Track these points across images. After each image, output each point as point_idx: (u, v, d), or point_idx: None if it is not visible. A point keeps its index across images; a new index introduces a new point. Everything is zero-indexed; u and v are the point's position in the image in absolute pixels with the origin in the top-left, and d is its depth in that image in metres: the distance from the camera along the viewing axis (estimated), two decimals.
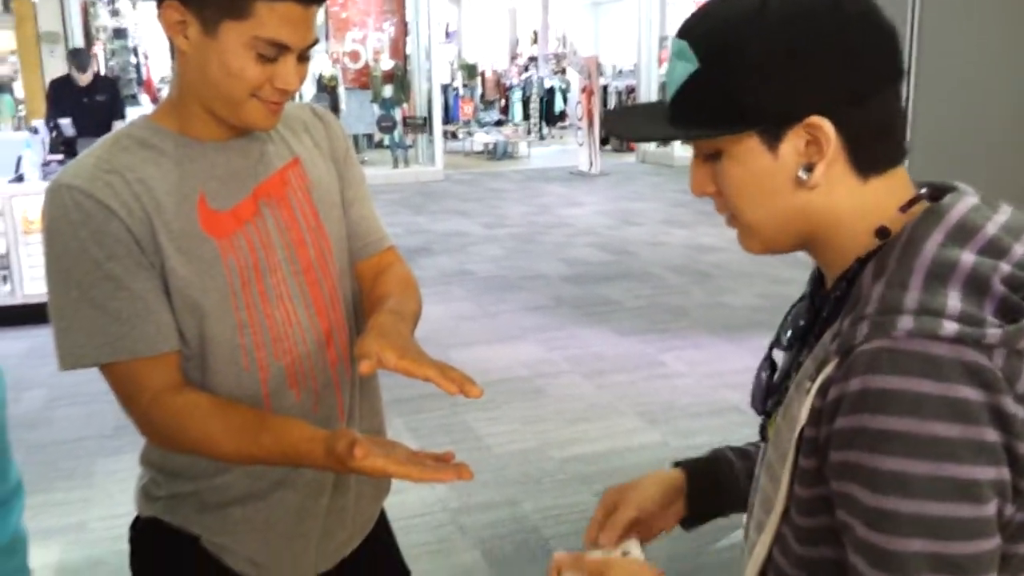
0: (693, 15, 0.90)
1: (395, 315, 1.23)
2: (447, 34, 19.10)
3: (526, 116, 17.26)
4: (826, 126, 0.82)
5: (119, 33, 16.40)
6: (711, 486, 1.13)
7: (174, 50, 1.21)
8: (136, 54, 16.47)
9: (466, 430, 4.07)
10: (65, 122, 6.18)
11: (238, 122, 1.22)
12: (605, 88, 14.66)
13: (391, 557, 1.56)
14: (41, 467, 3.80)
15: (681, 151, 13.48)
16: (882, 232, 0.85)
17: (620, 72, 16.33)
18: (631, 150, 14.53)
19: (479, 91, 17.76)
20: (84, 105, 6.80)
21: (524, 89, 17.58)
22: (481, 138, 15.06)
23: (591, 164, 12.67)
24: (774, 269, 6.91)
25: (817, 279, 0.96)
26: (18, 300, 5.64)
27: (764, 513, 0.91)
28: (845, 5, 0.83)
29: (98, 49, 14.13)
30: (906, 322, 0.76)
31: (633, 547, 1.03)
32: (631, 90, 14.63)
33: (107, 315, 1.18)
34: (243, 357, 1.26)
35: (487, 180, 12.58)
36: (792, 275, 6.65)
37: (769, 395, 0.98)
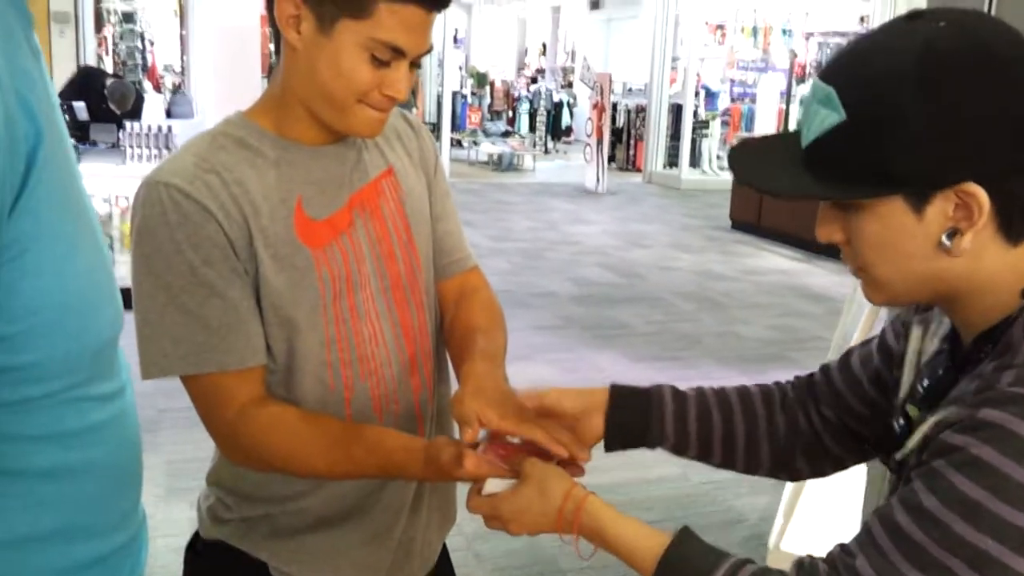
0: (840, 56, 0.85)
1: (488, 361, 1.19)
2: (455, 40, 19.07)
3: (532, 129, 17.22)
4: (981, 195, 0.78)
5: (128, 17, 16.32)
6: (635, 418, 1.13)
7: (280, 45, 1.15)
8: (143, 40, 16.38)
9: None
10: (79, 105, 6.07)
11: (341, 127, 1.16)
12: (615, 106, 14.62)
13: None
14: None
15: (688, 174, 13.45)
16: None
17: (630, 90, 16.31)
18: (637, 170, 14.49)
19: (487, 101, 17.72)
20: (104, 109, 6.66)
21: (532, 102, 17.55)
22: (487, 148, 14.99)
23: (598, 182, 12.61)
24: (786, 300, 6.85)
25: (952, 336, 0.93)
26: None
27: None
28: (1014, 68, 0.78)
29: (107, 33, 14.02)
30: None
31: (493, 485, 1.05)
32: (641, 109, 14.61)
33: (196, 323, 1.11)
34: (329, 375, 1.19)
35: (493, 191, 12.51)
36: (805, 307, 6.60)
37: (899, 448, 0.93)
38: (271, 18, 1.13)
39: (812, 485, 3.04)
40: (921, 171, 0.79)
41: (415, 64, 1.15)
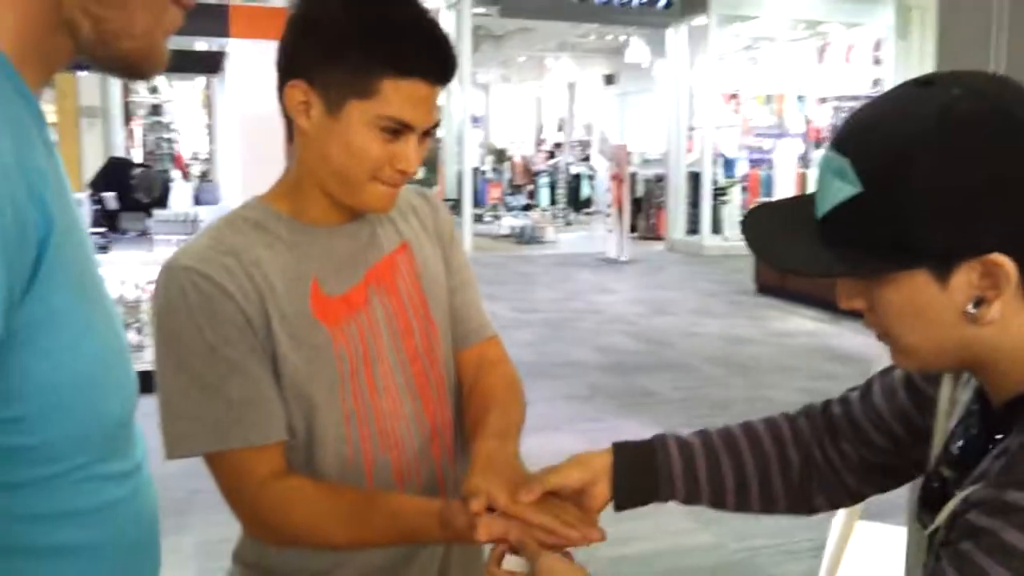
0: (851, 124, 0.83)
1: (500, 439, 1.18)
2: (474, 119, 19.43)
3: (553, 201, 17.40)
4: (1007, 264, 0.75)
5: (155, 109, 16.82)
6: (641, 477, 1.12)
7: (292, 131, 1.19)
8: (169, 130, 16.84)
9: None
10: (109, 196, 6.23)
11: (356, 204, 1.19)
12: (633, 176, 14.78)
13: None
14: None
15: (710, 240, 13.48)
16: None
17: (647, 160, 16.49)
18: (659, 238, 14.56)
19: (507, 176, 17.97)
20: (133, 198, 6.83)
21: (551, 175, 17.78)
22: (509, 222, 15.15)
23: (620, 251, 12.67)
24: (815, 363, 6.78)
25: (980, 396, 0.90)
26: None
27: None
28: None
29: (135, 125, 14.42)
30: None
31: (512, 563, 1.04)
32: (659, 178, 14.75)
33: (219, 401, 1.12)
34: (348, 449, 1.20)
35: (515, 264, 12.59)
36: (834, 369, 6.53)
37: (932, 510, 0.91)
38: (282, 106, 1.16)
39: (852, 552, 2.97)
40: (943, 242, 0.76)
41: (427, 135, 1.18)
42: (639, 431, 5.39)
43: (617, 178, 12.90)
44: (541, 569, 1.00)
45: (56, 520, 0.75)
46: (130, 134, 13.61)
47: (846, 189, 0.79)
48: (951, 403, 0.96)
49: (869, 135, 0.80)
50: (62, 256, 0.72)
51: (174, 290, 1.13)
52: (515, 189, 17.69)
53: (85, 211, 6.23)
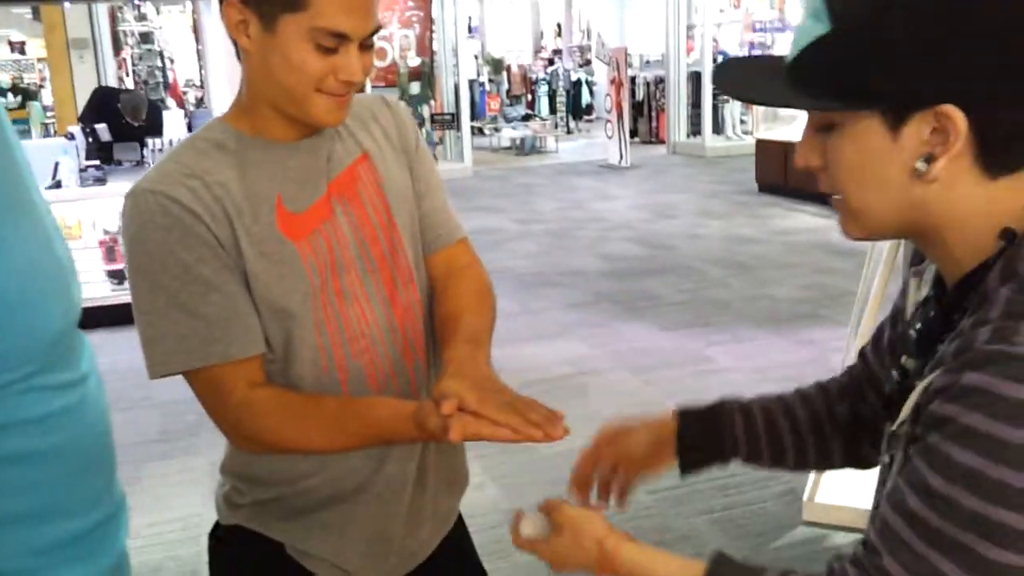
0: None
1: (471, 344, 1.21)
2: (470, 29, 19.04)
3: (552, 110, 17.17)
4: (958, 118, 0.75)
5: (145, 37, 16.54)
6: (706, 436, 1.14)
7: (239, 52, 1.19)
8: (162, 58, 16.59)
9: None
10: (101, 127, 6.20)
11: (305, 118, 1.19)
12: (633, 79, 14.54)
13: (469, 557, 1.54)
14: None
15: (712, 142, 13.35)
16: (1007, 234, 0.79)
17: (648, 62, 16.20)
18: (661, 142, 14.41)
19: (505, 86, 17.70)
20: (123, 125, 6.80)
21: (550, 83, 17.50)
22: (508, 133, 14.99)
23: (621, 157, 12.57)
24: (816, 259, 6.80)
25: (939, 281, 0.90)
26: None
27: None
28: None
29: (125, 54, 14.22)
30: None
31: (529, 527, 1.06)
32: (660, 80, 14.52)
33: (198, 319, 1.16)
34: (323, 357, 1.24)
35: (517, 176, 12.53)
36: (835, 264, 6.55)
37: (898, 401, 0.92)
38: (224, 27, 1.16)
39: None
40: (900, 88, 0.77)
41: (366, 46, 1.17)
42: (642, 334, 5.47)
43: (616, 82, 12.71)
44: (556, 520, 1.02)
45: (1, 430, 0.78)
46: (121, 64, 13.43)
47: (816, 29, 0.79)
48: (917, 288, 0.96)
49: None
50: None
51: (143, 215, 1.15)
52: (514, 100, 17.45)
53: (79, 144, 6.22)
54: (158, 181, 1.16)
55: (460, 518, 1.51)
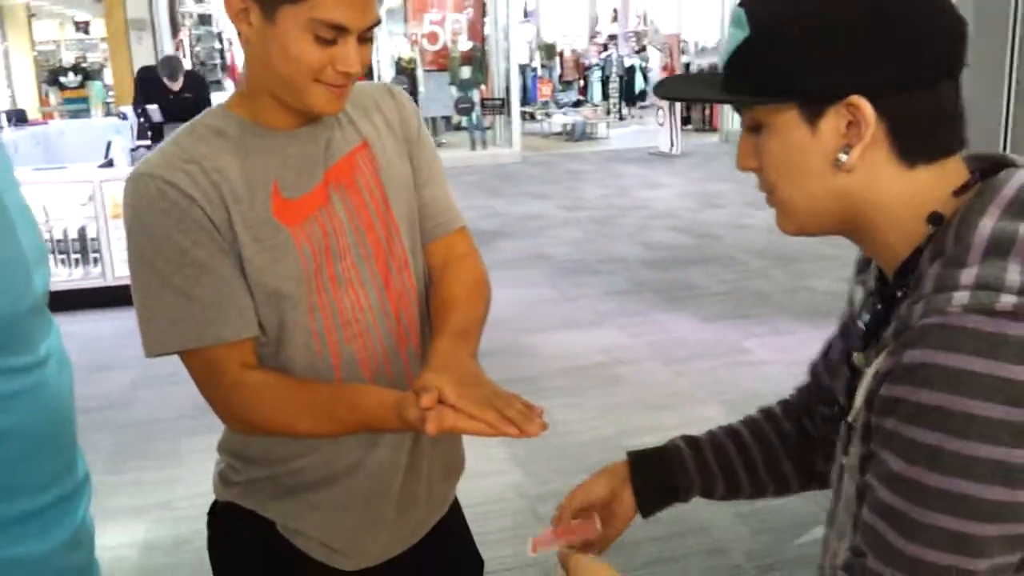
0: None
1: (457, 338, 1.23)
2: (525, 14, 18.98)
3: (605, 96, 17.06)
4: (866, 108, 0.79)
5: (204, 19, 16.79)
6: (657, 474, 1.15)
7: (241, 39, 1.21)
8: (220, 40, 16.84)
9: (545, 416, 4.01)
10: (152, 108, 6.33)
11: (303, 107, 1.21)
12: (687, 66, 14.38)
13: (464, 543, 1.55)
14: (129, 447, 3.90)
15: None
16: (935, 218, 0.82)
17: (703, 50, 15.99)
18: (714, 130, 14.25)
19: (557, 71, 17.63)
20: (171, 100, 6.95)
21: (603, 69, 17.38)
22: (559, 119, 14.94)
23: (672, 145, 12.46)
24: (857, 252, 6.67)
25: (880, 275, 0.93)
26: (108, 282, 5.82)
27: (847, 517, 0.88)
28: None
29: (184, 36, 14.46)
30: (961, 297, 0.74)
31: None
32: (714, 68, 14.32)
33: (191, 301, 1.19)
34: (316, 342, 1.26)
35: (565, 162, 12.49)
36: None
37: (850, 398, 0.93)
38: (228, 13, 1.19)
39: None
40: (809, 81, 0.81)
41: (365, 38, 1.19)
42: (680, 324, 5.45)
43: (668, 69, 12.58)
44: (569, 568, 1.02)
45: None
46: (179, 45, 13.67)
47: (739, 35, 0.85)
48: (864, 296, 0.97)
49: None
50: None
51: (142, 198, 1.18)
52: (566, 85, 17.37)
53: (132, 124, 6.36)
54: (157, 165, 1.19)
55: (456, 504, 1.53)
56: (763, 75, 0.83)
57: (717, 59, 14.11)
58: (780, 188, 0.87)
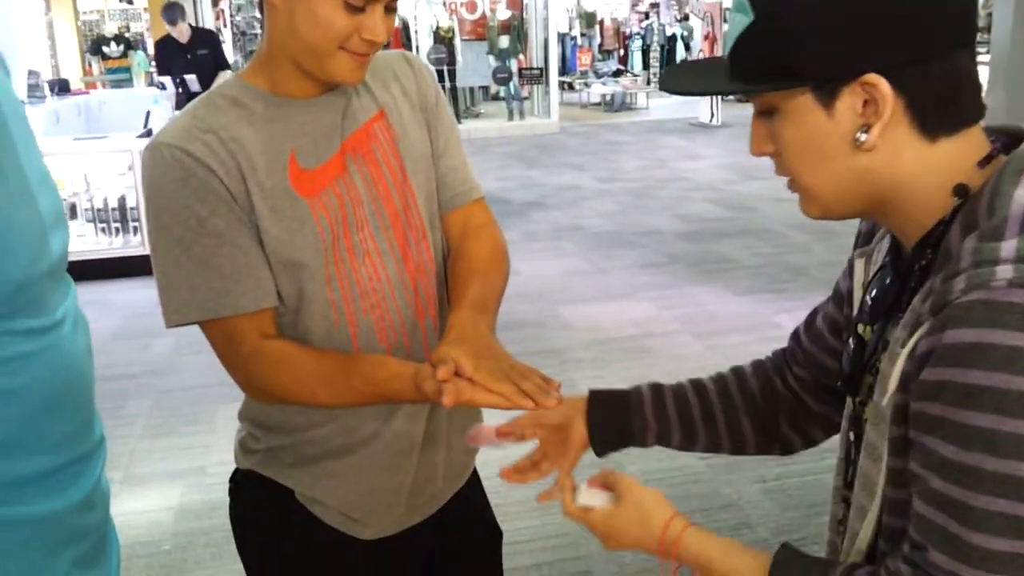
0: None
1: (475, 310, 1.23)
2: None
3: (646, 66, 16.87)
4: (882, 85, 0.78)
5: None
6: (613, 413, 1.15)
7: (263, 4, 1.21)
8: (260, 10, 16.89)
9: (571, 388, 3.96)
10: (191, 77, 6.39)
11: (324, 76, 1.21)
12: None
13: (482, 514, 1.56)
14: (167, 412, 3.99)
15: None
16: (960, 190, 0.81)
17: None
18: None
19: (597, 40, 17.45)
20: (188, 61, 7.03)
21: (644, 37, 17.17)
22: (598, 89, 14.82)
23: (712, 115, 12.31)
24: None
25: (893, 248, 0.92)
26: (147, 251, 5.89)
27: (866, 496, 0.87)
28: None
29: (224, 5, 14.52)
30: (1005, 271, 0.72)
31: (587, 497, 1.05)
32: None
33: (210, 271, 1.20)
34: (333, 312, 1.27)
35: (603, 132, 12.40)
36: None
37: (860, 373, 0.93)
38: None
39: None
40: (821, 63, 0.79)
41: (390, 8, 1.19)
42: (713, 297, 5.42)
43: (710, 38, 12.39)
44: (621, 491, 1.02)
45: None
46: (219, 15, 13.74)
47: (743, 20, 0.83)
48: (865, 272, 0.97)
49: None
50: None
51: (160, 167, 1.19)
52: (606, 54, 17.20)
53: (169, 94, 6.43)
54: (175, 135, 1.20)
55: (475, 475, 1.53)
56: (772, 60, 0.81)
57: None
58: (801, 173, 0.86)
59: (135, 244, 5.94)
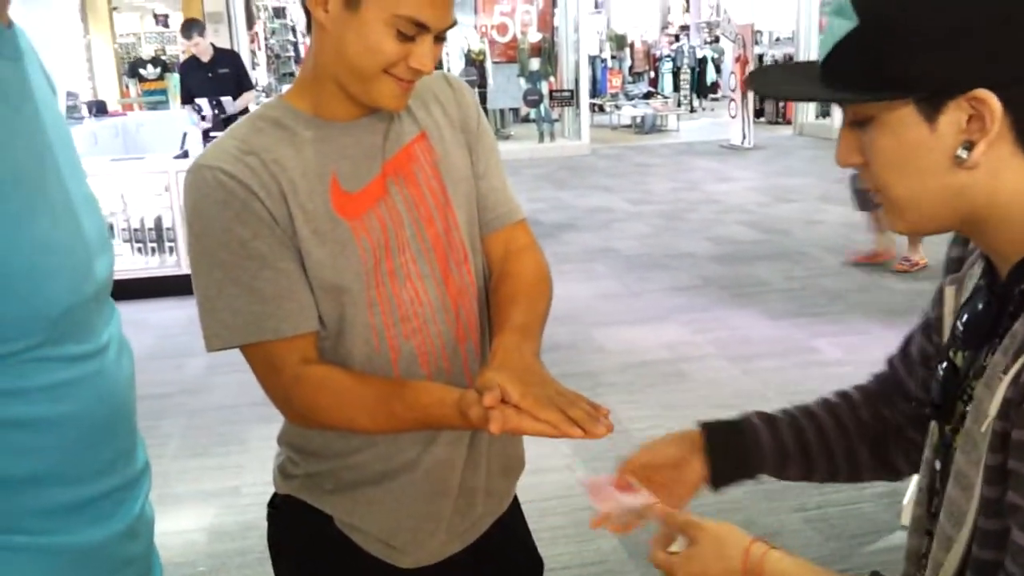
0: None
1: (519, 335, 1.21)
2: (596, 4, 18.85)
3: (676, 88, 16.86)
4: (992, 101, 0.74)
5: (278, 12, 17.06)
6: (733, 447, 1.12)
7: (311, 25, 1.21)
8: (294, 33, 17.09)
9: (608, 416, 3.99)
10: (226, 99, 6.45)
11: (368, 100, 1.21)
12: (761, 57, 14.11)
13: (523, 542, 1.54)
14: (200, 432, 3.99)
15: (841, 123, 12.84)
16: None
17: (777, 40, 15.69)
18: (787, 123, 13.96)
19: (628, 63, 17.47)
20: (210, 80, 7.03)
21: (675, 60, 17.17)
22: (629, 111, 14.82)
23: (744, 137, 12.25)
24: (938, 249, 6.47)
25: (988, 271, 0.87)
26: (183, 271, 5.95)
27: (953, 527, 0.83)
28: None
29: (259, 28, 14.71)
30: None
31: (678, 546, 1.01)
32: (790, 59, 14.03)
33: (252, 295, 1.19)
34: (374, 337, 1.25)
35: (634, 155, 12.38)
36: None
37: (951, 400, 0.89)
38: (301, 0, 1.19)
39: None
40: (930, 76, 0.76)
41: (440, 38, 1.19)
42: (747, 321, 5.36)
43: (741, 60, 12.37)
44: (695, 533, 0.99)
45: (5, 396, 0.81)
46: (254, 38, 13.91)
47: (845, 26, 0.79)
48: (956, 299, 0.93)
49: None
50: None
51: (202, 190, 1.19)
52: (636, 77, 17.20)
53: (207, 115, 6.49)
54: (216, 157, 1.19)
55: (516, 502, 1.51)
56: (876, 69, 0.77)
57: (793, 50, 13.85)
58: (892, 187, 0.82)
59: (171, 264, 6.00)
